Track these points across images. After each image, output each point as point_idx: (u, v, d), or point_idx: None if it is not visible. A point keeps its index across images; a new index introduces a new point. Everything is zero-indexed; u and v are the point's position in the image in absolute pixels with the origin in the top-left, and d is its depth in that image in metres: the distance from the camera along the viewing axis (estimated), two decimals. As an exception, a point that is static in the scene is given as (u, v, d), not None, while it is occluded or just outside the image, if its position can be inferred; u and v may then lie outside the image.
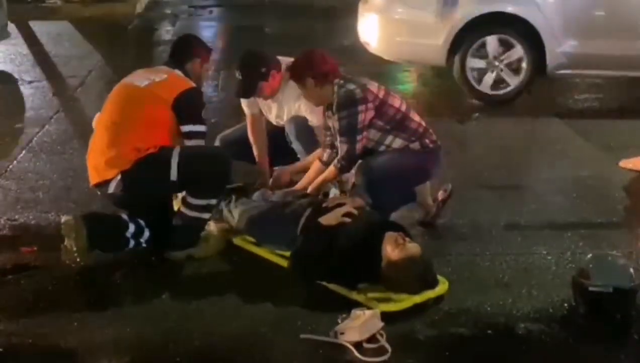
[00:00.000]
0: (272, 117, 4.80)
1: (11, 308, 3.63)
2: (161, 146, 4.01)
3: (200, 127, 4.14)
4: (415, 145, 4.28)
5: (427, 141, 4.32)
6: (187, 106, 4.09)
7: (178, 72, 4.25)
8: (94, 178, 4.09)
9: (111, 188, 4.01)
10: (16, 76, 8.22)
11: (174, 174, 3.96)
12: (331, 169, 4.32)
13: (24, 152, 5.80)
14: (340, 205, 4.01)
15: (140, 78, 4.22)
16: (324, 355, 3.25)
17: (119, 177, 3.97)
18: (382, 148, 4.26)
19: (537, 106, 7.14)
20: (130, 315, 3.57)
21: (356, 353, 3.21)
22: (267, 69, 4.52)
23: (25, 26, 10.55)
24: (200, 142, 4.15)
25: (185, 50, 4.36)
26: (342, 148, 4.23)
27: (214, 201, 4.11)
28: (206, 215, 4.10)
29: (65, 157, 5.67)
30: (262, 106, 4.81)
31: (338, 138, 4.23)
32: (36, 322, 3.50)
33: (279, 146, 4.73)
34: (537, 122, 6.73)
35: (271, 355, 3.29)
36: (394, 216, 4.27)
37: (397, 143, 4.26)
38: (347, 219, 3.89)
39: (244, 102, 4.83)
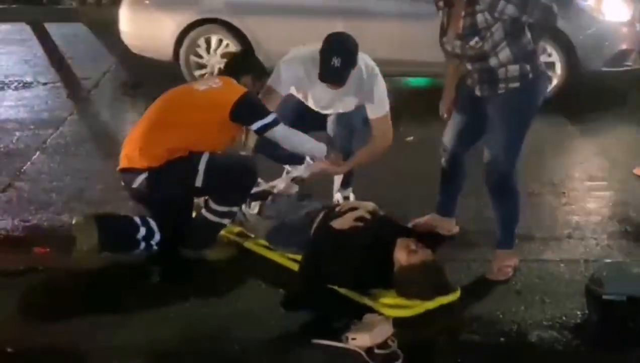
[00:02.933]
0: (313, 104, 4.54)
1: (24, 310, 3.65)
2: (192, 151, 4.01)
3: (269, 118, 4.07)
4: (521, 64, 3.76)
5: (537, 60, 3.86)
6: (248, 108, 4.07)
7: (232, 79, 4.21)
8: (122, 164, 4.10)
9: (136, 183, 4.01)
10: (31, 77, 8.26)
11: (199, 181, 3.98)
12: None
13: (37, 153, 5.82)
14: (353, 209, 4.01)
15: (200, 83, 4.28)
16: (335, 360, 3.24)
17: (146, 174, 3.98)
18: (493, 57, 3.74)
19: (550, 112, 7.11)
20: (141, 317, 3.58)
21: (367, 359, 3.21)
22: (358, 55, 4.28)
23: (41, 28, 10.61)
24: (277, 130, 4.09)
25: (242, 63, 4.34)
26: (537, 10, 3.66)
27: (235, 209, 4.13)
28: (226, 221, 4.13)
29: (79, 159, 5.69)
30: (307, 92, 4.48)
31: (525, 16, 3.64)
32: (48, 323, 3.52)
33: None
34: (550, 129, 6.70)
35: (282, 359, 3.29)
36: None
37: (504, 54, 3.72)
38: (360, 224, 3.89)
39: (283, 88, 4.39)
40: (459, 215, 4.56)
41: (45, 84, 8.01)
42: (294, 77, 4.38)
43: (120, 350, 3.32)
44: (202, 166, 3.98)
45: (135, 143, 4.05)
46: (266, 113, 4.10)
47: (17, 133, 6.31)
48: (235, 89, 4.13)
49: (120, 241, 4.05)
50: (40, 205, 4.84)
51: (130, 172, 4.02)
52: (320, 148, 4.28)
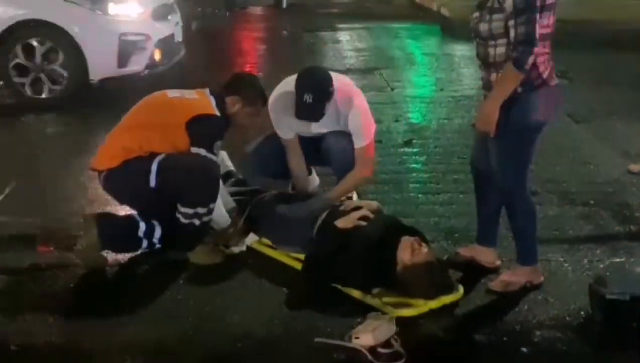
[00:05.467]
0: (310, 131, 4.53)
1: (28, 308, 3.65)
2: (151, 152, 4.02)
3: (208, 154, 4.03)
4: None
5: (533, 73, 3.52)
6: (200, 129, 4.04)
7: (212, 99, 4.19)
8: (91, 163, 4.21)
9: (100, 181, 4.13)
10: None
11: (153, 181, 3.98)
12: (507, 68, 3.47)
13: (41, 151, 5.84)
14: (356, 209, 4.01)
15: (174, 91, 4.27)
16: (338, 359, 3.24)
17: (105, 173, 4.07)
18: (491, 48, 3.56)
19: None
20: (145, 316, 3.58)
21: (370, 358, 3.20)
22: (332, 88, 4.29)
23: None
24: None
25: (235, 84, 4.28)
26: (518, 30, 3.42)
27: (201, 210, 4.01)
28: (197, 222, 4.02)
29: (83, 157, 5.70)
30: (300, 129, 4.50)
31: (512, 21, 3.43)
32: (52, 321, 3.52)
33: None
34: (554, 127, 6.68)
35: (285, 358, 3.29)
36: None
37: (500, 51, 3.53)
38: (363, 223, 3.89)
39: (281, 126, 4.50)
40: (464, 213, 4.56)
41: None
42: (278, 120, 4.46)
43: (122, 348, 3.31)
44: (154, 166, 3.97)
45: (102, 145, 4.17)
46: (207, 146, 4.03)
47: (22, 131, 6.32)
48: (205, 107, 4.11)
49: (120, 238, 4.06)
50: (44, 204, 4.85)
51: (96, 172, 4.14)
52: (225, 219, 4.21)
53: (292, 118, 4.38)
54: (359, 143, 4.39)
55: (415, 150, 6.05)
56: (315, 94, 4.22)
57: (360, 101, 4.45)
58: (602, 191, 5.15)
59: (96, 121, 6.75)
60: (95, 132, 6.33)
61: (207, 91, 4.25)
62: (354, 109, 4.37)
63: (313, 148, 4.55)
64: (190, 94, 4.21)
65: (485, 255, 4.02)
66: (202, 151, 4.02)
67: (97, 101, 7.18)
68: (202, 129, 4.05)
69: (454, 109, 7.25)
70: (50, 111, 6.95)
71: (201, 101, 4.16)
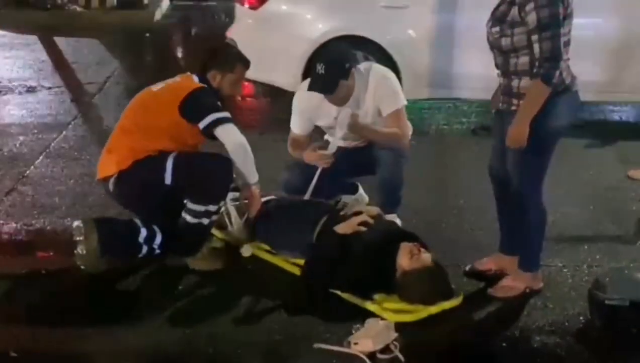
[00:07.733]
0: (339, 136, 4.38)
1: (27, 313, 3.65)
2: (161, 150, 4.00)
3: (219, 114, 3.98)
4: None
5: (558, 79, 3.50)
6: (194, 103, 3.99)
7: (194, 76, 4.17)
8: (98, 174, 4.15)
9: (110, 186, 4.06)
10: (35, 81, 8.27)
11: (168, 178, 3.95)
12: (535, 84, 3.47)
13: (41, 157, 5.83)
14: (356, 214, 4.01)
15: (159, 83, 4.23)
16: (337, 365, 3.25)
17: (116, 175, 4.02)
18: (513, 58, 3.58)
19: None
20: (144, 321, 3.59)
21: (370, 364, 3.21)
22: (349, 66, 4.22)
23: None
24: (228, 127, 3.99)
25: (209, 59, 4.23)
26: (543, 46, 3.42)
27: (212, 207, 4.01)
28: (206, 221, 4.01)
29: (82, 163, 5.69)
30: (324, 120, 4.44)
31: (536, 36, 3.43)
32: (51, 327, 3.52)
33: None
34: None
35: (285, 364, 3.30)
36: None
37: (524, 60, 3.54)
38: (363, 229, 3.89)
39: (299, 124, 4.48)
40: (465, 220, 4.55)
41: (49, 88, 8.00)
42: (299, 106, 4.43)
43: (122, 354, 3.32)
44: (169, 163, 3.95)
45: (106, 152, 4.14)
46: (216, 109, 3.99)
47: (21, 137, 6.31)
48: (189, 85, 4.08)
49: (121, 244, 4.05)
50: (44, 209, 4.84)
51: (105, 181, 4.08)
52: (254, 175, 4.15)
53: (313, 104, 4.35)
54: (390, 107, 4.28)
55: (415, 155, 6.04)
56: (327, 65, 4.17)
57: (381, 70, 4.41)
58: (602, 197, 5.15)
59: (93, 125, 6.79)
60: (93, 137, 6.37)
61: (190, 74, 4.22)
62: (380, 78, 4.31)
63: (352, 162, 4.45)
64: (174, 80, 4.20)
65: (509, 264, 3.93)
66: (212, 117, 3.96)
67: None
68: (197, 102, 4.01)
69: (453, 114, 7.25)
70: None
71: (185, 81, 4.15)
